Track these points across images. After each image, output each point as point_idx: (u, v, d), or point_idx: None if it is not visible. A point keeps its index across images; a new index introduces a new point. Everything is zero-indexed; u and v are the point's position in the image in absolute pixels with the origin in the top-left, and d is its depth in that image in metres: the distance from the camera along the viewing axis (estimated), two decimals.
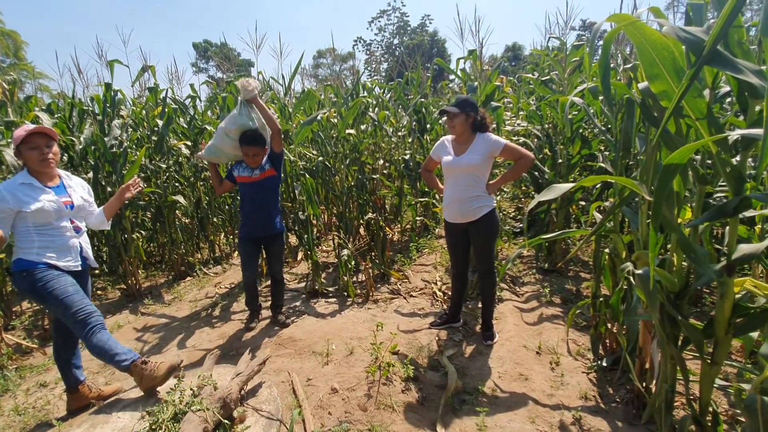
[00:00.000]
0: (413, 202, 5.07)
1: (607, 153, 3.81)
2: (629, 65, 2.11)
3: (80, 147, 4.20)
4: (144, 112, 4.96)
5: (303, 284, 4.24)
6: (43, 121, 3.89)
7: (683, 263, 1.88)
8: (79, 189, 2.43)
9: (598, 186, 3.75)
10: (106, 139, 4.10)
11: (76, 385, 2.45)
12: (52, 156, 2.19)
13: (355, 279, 4.17)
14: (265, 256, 3.45)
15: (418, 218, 5.26)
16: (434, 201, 5.22)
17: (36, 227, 2.16)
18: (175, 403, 1.98)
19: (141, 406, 2.16)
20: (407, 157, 5.21)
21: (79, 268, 2.34)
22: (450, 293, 3.45)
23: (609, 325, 2.61)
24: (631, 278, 2.23)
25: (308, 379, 2.58)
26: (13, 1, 60.37)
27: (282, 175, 3.32)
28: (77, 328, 2.20)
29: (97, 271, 2.51)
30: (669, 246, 1.97)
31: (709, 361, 1.73)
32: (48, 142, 2.18)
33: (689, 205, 2.03)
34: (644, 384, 2.14)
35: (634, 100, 2.10)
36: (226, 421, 1.95)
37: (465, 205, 2.75)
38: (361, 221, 4.64)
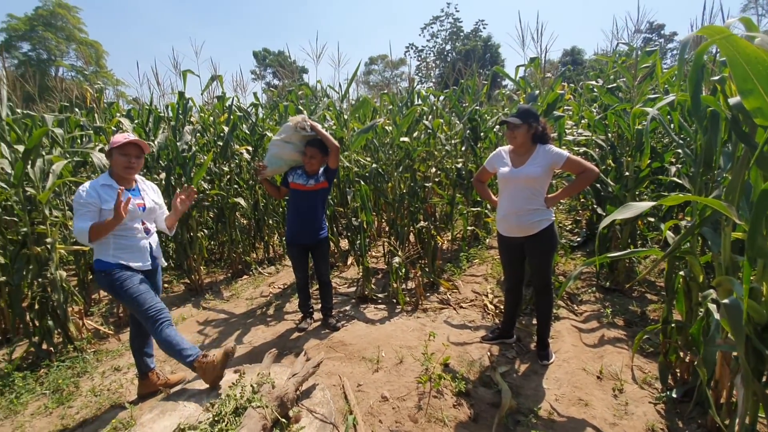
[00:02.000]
0: (465, 212, 4.99)
1: (679, 166, 3.55)
2: (716, 77, 1.96)
3: (154, 150, 4.56)
4: (211, 118, 5.29)
5: (353, 289, 4.31)
6: (126, 126, 4.27)
7: None
8: (151, 192, 2.62)
9: None
10: (178, 143, 4.42)
11: (147, 372, 2.65)
12: (136, 166, 2.42)
13: (404, 286, 4.17)
14: (312, 259, 3.55)
15: (469, 228, 5.17)
16: (486, 211, 5.12)
17: None
18: (236, 398, 2.08)
19: (205, 397, 2.29)
20: (459, 165, 5.16)
21: (150, 268, 2.53)
22: (502, 307, 3.35)
23: (681, 354, 2.41)
24: (710, 305, 2.06)
25: (358, 384, 2.61)
26: (96, 13, 67.05)
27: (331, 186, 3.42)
28: (148, 323, 2.38)
29: (164, 266, 2.72)
30: (755, 273, 1.79)
31: None
32: (139, 153, 2.41)
33: None
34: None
35: (720, 113, 1.94)
36: (283, 420, 2.02)
37: (523, 218, 2.66)
38: (412, 228, 4.65)
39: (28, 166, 3.07)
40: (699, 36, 1.83)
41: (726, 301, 1.57)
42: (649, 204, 1.57)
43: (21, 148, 3.05)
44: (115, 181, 2.39)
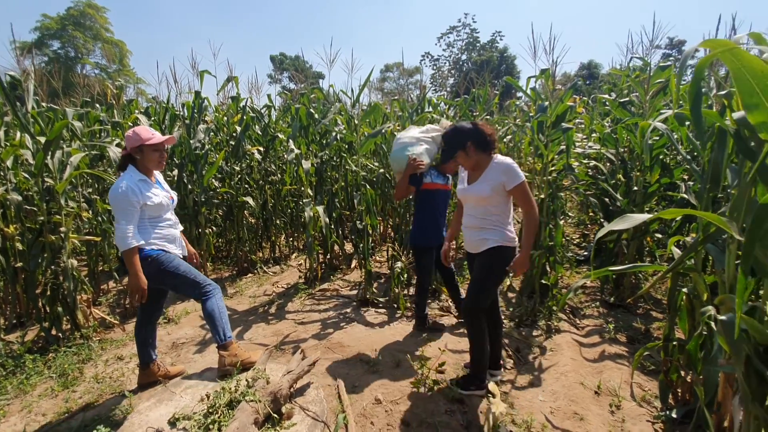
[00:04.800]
0: None
1: (691, 183, 3.50)
2: (723, 92, 1.94)
3: (168, 147, 4.66)
4: (225, 118, 5.41)
5: (354, 292, 4.33)
6: (143, 123, 4.39)
7: None
8: (166, 184, 2.71)
9: (678, 218, 3.45)
10: (191, 141, 4.52)
11: (148, 362, 2.70)
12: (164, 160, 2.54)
13: (405, 292, 4.17)
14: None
15: None
16: None
17: (150, 220, 2.46)
18: (231, 391, 2.12)
19: (201, 389, 2.32)
20: None
21: (181, 256, 2.63)
22: None
23: (682, 373, 2.36)
24: (713, 324, 2.02)
25: (354, 386, 2.62)
26: (122, 14, 69.29)
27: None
28: (200, 292, 2.51)
29: (185, 256, 2.83)
30: (761, 292, 1.76)
31: None
32: (165, 147, 2.53)
33: None
34: None
35: (726, 129, 1.92)
36: (275, 415, 2.04)
37: (473, 234, 2.51)
38: None
39: (48, 157, 3.18)
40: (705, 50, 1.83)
41: (723, 317, 1.55)
42: (646, 216, 1.56)
43: (43, 139, 3.16)
44: (146, 176, 2.48)
